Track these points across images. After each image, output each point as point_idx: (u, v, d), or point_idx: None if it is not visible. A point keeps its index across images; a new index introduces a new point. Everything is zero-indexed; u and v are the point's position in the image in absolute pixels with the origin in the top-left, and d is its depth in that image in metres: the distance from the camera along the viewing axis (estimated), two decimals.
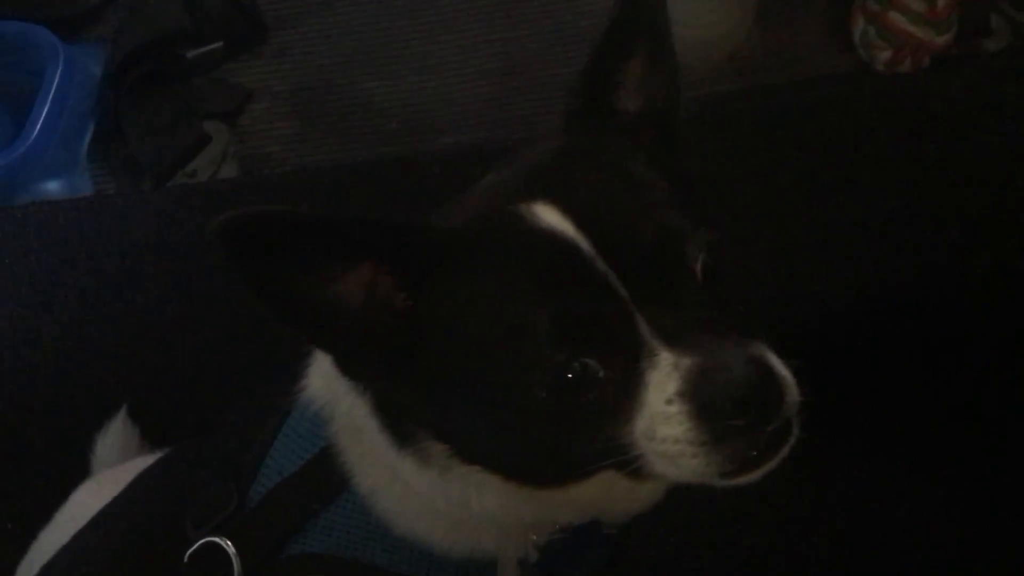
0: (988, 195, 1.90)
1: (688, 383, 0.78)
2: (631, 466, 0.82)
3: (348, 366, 0.90)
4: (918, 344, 1.75)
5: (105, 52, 2.48)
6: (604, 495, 0.93)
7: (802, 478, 1.59)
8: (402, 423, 0.93)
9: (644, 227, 0.84)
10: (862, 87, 2.15)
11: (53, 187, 2.36)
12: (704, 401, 0.78)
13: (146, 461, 1.28)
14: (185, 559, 1.03)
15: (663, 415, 0.79)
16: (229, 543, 1.02)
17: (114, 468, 1.50)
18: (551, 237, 0.83)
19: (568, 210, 0.84)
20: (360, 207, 2.08)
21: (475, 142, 2.34)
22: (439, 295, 0.85)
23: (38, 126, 2.25)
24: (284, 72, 2.52)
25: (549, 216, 0.84)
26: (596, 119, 0.95)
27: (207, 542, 1.03)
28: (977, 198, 1.91)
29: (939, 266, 1.83)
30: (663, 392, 0.79)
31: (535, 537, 0.99)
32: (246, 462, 1.06)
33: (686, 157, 0.99)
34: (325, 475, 1.01)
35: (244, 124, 2.49)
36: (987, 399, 1.72)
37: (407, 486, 0.96)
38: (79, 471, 1.59)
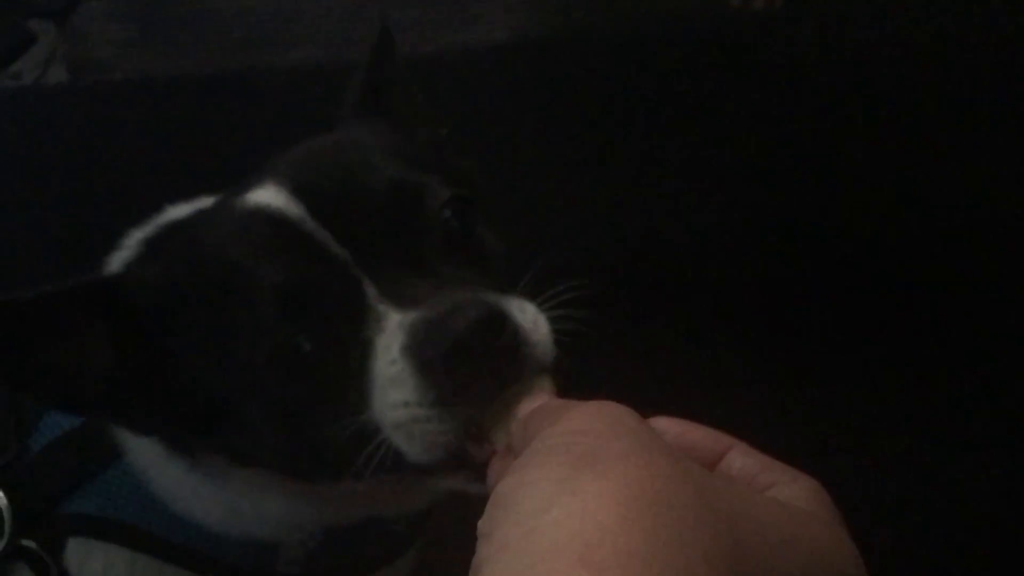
0: (820, 144, 1.93)
1: (411, 338, 0.72)
2: (383, 453, 0.75)
3: (132, 426, 0.88)
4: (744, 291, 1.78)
5: None
6: (381, 491, 0.89)
7: None
8: (177, 446, 0.90)
9: (372, 186, 0.79)
10: (713, 25, 2.14)
11: None
12: (425, 354, 0.71)
13: None
14: None
15: (390, 378, 0.73)
16: (2, 494, 0.97)
17: None
18: (263, 215, 0.78)
19: (287, 186, 0.79)
20: (193, 123, 1.98)
21: (321, 60, 2.25)
22: (174, 326, 0.81)
23: None
24: None
25: (263, 196, 0.80)
26: (374, 115, 0.96)
27: None
28: (810, 146, 1.93)
29: (764, 219, 1.85)
30: (389, 353, 0.73)
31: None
32: (29, 410, 1.01)
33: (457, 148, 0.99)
34: (103, 437, 0.96)
35: (75, 25, 2.33)
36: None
37: (173, 473, 0.92)
38: None
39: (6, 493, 0.98)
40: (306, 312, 0.75)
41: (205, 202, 0.96)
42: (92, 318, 0.81)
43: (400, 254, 0.77)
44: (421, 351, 0.71)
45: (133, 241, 0.96)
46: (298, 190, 0.78)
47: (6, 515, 0.97)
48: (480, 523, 0.53)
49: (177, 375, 0.81)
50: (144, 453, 0.94)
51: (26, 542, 0.98)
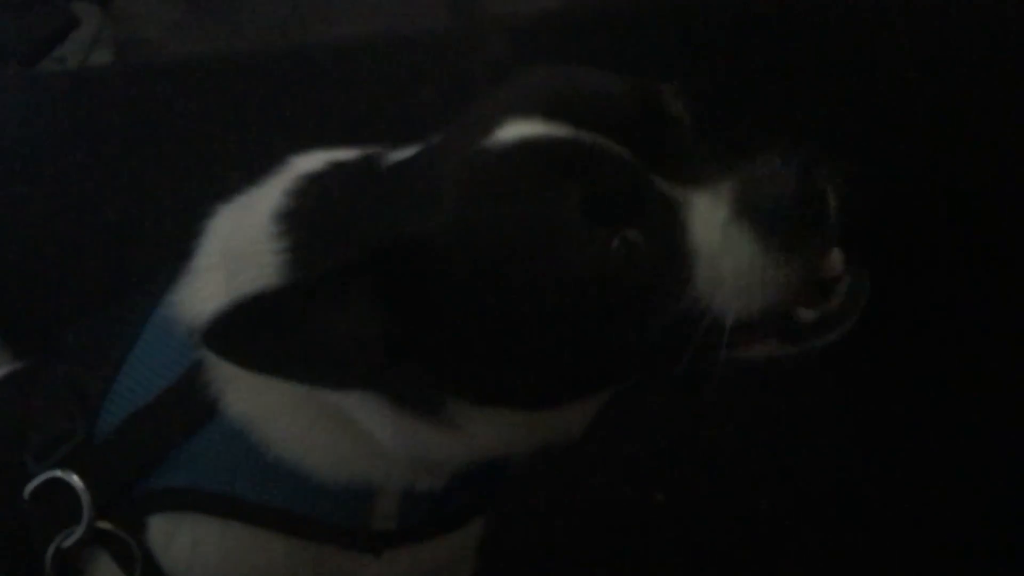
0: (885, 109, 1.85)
1: (737, 202, 0.76)
2: (712, 335, 0.77)
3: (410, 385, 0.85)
4: None
5: None
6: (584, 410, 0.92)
7: None
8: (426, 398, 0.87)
9: (618, 93, 0.82)
10: None
11: None
12: (762, 209, 0.75)
13: None
14: (25, 496, 0.94)
15: (723, 246, 0.76)
16: (76, 478, 0.94)
17: None
18: (536, 143, 0.80)
19: (538, 115, 0.80)
20: (242, 102, 1.94)
21: (369, 34, 2.21)
22: (466, 276, 0.80)
23: None
24: None
25: (521, 129, 0.80)
26: None
27: (51, 477, 0.94)
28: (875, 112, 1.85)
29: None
30: (713, 226, 0.77)
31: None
32: (93, 387, 0.97)
33: None
34: (189, 403, 0.92)
35: (120, 5, 2.31)
36: None
37: (299, 412, 0.89)
38: None
39: (80, 476, 0.94)
40: (613, 219, 0.77)
41: (339, 154, 0.95)
42: (374, 286, 0.80)
43: (664, 149, 0.80)
44: (759, 210, 0.75)
45: (269, 189, 0.93)
46: (553, 114, 0.80)
47: (84, 499, 0.93)
48: None
49: (464, 324, 0.82)
50: (251, 395, 0.90)
51: (103, 524, 0.94)
